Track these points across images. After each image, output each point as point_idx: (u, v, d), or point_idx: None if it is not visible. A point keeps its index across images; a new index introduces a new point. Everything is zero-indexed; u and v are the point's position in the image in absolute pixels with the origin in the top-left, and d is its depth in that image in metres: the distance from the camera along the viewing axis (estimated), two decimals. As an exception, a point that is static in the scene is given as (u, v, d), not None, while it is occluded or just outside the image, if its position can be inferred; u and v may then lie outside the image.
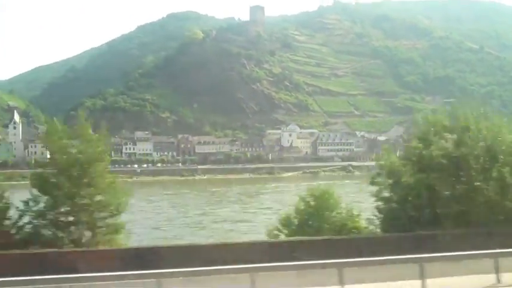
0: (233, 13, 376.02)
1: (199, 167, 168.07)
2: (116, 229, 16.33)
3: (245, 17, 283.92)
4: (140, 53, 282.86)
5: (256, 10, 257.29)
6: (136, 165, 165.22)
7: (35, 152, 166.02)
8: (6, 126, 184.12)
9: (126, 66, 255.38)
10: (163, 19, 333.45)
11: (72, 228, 15.92)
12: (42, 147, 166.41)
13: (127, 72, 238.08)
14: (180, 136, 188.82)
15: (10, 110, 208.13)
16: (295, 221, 18.75)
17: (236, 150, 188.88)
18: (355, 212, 19.28)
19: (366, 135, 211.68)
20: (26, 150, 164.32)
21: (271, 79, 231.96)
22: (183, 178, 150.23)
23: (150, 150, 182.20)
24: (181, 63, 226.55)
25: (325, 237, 16.82)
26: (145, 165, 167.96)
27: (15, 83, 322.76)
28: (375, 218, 19.35)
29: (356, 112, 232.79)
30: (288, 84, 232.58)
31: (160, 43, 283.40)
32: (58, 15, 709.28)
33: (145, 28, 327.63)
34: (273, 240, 18.24)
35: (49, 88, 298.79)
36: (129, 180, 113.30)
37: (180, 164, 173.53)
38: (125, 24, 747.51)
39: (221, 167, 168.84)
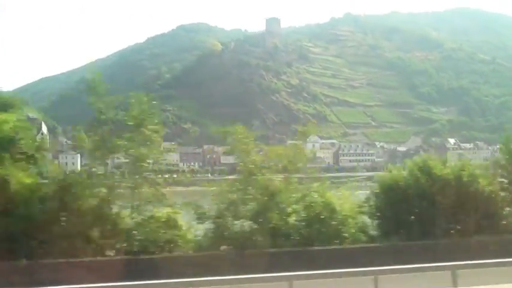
0: (241, 25, 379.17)
1: (229, 177, 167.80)
2: None
3: (252, 28, 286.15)
4: (152, 65, 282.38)
5: (272, 22, 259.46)
6: (167, 176, 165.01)
7: (66, 163, 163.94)
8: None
9: (138, 78, 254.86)
10: (173, 31, 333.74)
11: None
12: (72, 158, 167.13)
13: (145, 83, 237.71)
14: (205, 147, 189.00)
15: (29, 121, 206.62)
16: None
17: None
18: None
19: (385, 145, 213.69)
20: (56, 161, 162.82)
21: (289, 90, 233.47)
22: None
23: (177, 160, 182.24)
24: (200, 75, 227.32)
25: None
26: (175, 176, 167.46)
27: (20, 93, 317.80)
28: None
29: (373, 123, 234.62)
30: (306, 95, 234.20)
31: (173, 55, 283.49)
32: (62, 27, 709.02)
33: (156, 39, 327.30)
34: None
35: (60, 99, 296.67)
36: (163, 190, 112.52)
37: (209, 175, 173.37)
38: (132, 35, 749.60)
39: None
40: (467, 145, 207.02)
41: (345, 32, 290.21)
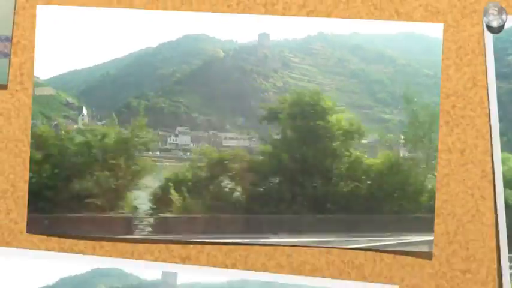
0: (232, 36, 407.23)
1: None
2: None
3: (242, 39, 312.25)
4: (162, 65, 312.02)
5: (263, 36, 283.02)
6: (181, 154, 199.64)
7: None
8: (66, 117, 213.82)
9: (152, 76, 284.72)
10: (180, 39, 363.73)
11: None
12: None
13: (160, 79, 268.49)
14: (211, 132, 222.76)
15: (68, 105, 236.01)
16: None
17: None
18: None
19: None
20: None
21: (275, 91, 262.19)
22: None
23: (188, 142, 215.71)
24: (205, 76, 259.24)
25: None
26: (188, 154, 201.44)
27: (53, 83, 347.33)
28: None
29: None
30: (288, 95, 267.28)
31: (181, 58, 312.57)
32: (91, 21, 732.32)
33: (166, 45, 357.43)
34: None
35: (88, 89, 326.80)
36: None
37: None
38: (144, 40, 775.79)
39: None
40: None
41: (318, 47, 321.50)
